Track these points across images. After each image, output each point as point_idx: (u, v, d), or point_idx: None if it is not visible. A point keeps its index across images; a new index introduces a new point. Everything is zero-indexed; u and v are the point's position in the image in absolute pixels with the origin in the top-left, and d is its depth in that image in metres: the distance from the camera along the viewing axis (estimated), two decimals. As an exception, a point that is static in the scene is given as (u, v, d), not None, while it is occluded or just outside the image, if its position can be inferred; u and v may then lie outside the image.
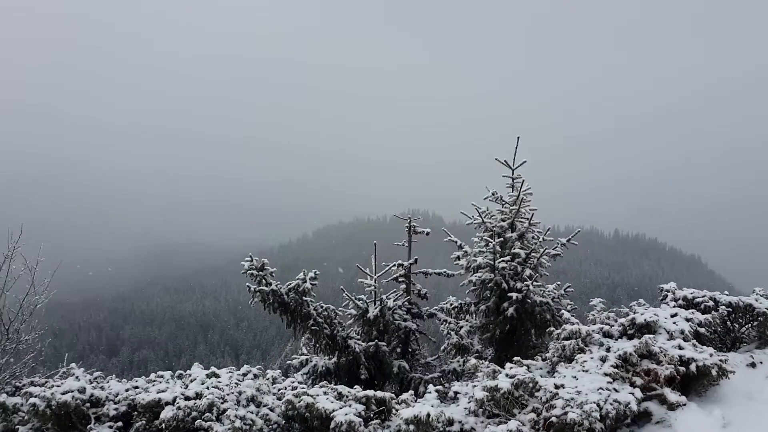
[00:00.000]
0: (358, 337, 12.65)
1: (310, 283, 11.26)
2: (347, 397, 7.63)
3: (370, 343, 12.29)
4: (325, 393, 7.70)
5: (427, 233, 14.18)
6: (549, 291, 13.26)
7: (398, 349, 13.49)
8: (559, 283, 14.04)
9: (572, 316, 11.80)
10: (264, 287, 10.94)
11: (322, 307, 11.69)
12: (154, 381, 9.41)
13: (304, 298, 11.24)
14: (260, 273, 11.07)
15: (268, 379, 9.55)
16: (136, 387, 9.03)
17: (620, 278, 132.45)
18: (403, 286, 13.81)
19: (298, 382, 9.82)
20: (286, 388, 9.08)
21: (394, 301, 13.19)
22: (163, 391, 8.24)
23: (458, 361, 13.12)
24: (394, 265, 13.60)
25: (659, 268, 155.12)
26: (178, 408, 7.63)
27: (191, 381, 8.66)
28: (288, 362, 13.21)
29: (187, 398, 7.89)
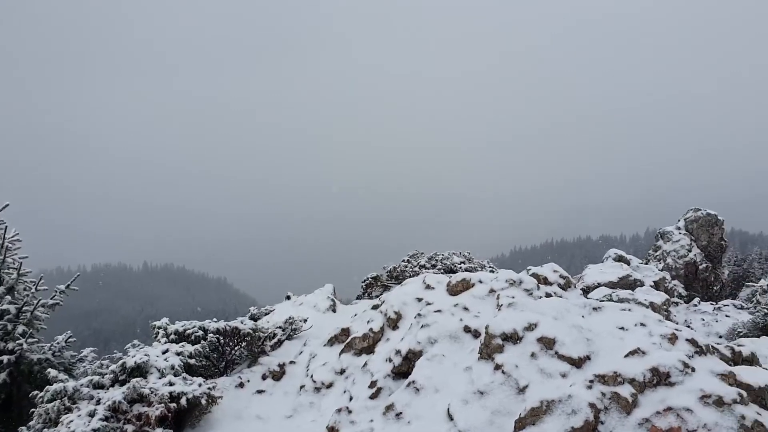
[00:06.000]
0: None
1: None
2: None
3: None
4: None
5: None
6: (55, 344, 12.38)
7: None
8: (68, 332, 13.19)
9: (62, 371, 11.06)
10: None
11: None
12: None
13: None
14: None
15: None
16: None
17: (154, 310, 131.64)
18: None
19: None
20: None
21: None
22: None
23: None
24: None
25: (190, 295, 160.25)
26: None
27: None
28: None
29: None
